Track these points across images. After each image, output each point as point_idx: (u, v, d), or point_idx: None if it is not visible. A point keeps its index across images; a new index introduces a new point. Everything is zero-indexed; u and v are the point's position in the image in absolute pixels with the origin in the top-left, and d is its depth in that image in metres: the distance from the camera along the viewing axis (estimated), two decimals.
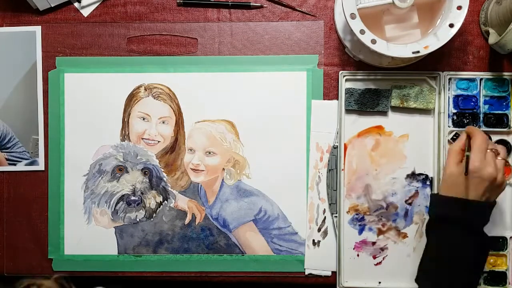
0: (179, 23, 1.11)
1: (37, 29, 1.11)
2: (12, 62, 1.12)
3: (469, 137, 0.96)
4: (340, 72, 1.08)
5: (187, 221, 1.13)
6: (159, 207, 1.13)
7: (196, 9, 1.11)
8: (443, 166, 1.07)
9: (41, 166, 1.13)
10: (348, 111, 1.08)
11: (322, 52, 1.10)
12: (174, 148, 1.12)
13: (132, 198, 1.12)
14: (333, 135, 1.09)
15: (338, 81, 1.09)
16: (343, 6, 0.96)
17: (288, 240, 1.11)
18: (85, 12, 1.11)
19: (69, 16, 1.12)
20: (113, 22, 1.11)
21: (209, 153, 1.12)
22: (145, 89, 1.12)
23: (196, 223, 1.12)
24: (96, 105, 1.13)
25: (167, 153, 1.13)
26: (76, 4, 1.11)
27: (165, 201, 1.13)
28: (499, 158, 0.95)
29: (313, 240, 1.10)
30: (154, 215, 1.13)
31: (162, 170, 1.12)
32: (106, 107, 1.13)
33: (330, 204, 1.09)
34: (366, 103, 1.08)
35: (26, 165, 1.13)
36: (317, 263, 1.10)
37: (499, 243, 1.09)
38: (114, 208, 1.13)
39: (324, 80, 1.10)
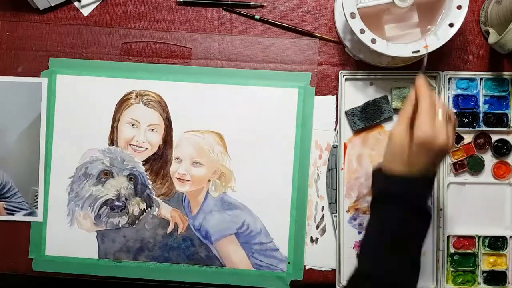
0: (175, 32, 1.11)
1: (44, 81, 1.10)
2: (17, 112, 1.11)
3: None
4: (340, 71, 1.07)
5: (169, 230, 1.10)
6: (142, 214, 1.10)
7: (196, 9, 1.11)
8: (442, 165, 1.06)
9: (39, 218, 1.11)
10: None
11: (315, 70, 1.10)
12: (161, 156, 1.10)
13: (116, 203, 1.09)
14: (330, 132, 1.08)
15: (337, 80, 1.08)
16: (343, 6, 0.97)
17: (268, 256, 1.10)
18: (85, 12, 1.11)
19: (69, 15, 1.11)
20: (111, 26, 1.11)
21: (196, 163, 1.10)
22: (136, 96, 1.10)
23: (178, 233, 1.10)
24: (86, 108, 1.11)
25: (154, 161, 1.10)
26: (76, 4, 1.11)
27: (149, 209, 1.10)
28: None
29: (311, 237, 1.08)
30: (136, 222, 1.10)
31: (148, 177, 1.10)
32: (96, 111, 1.11)
33: (330, 204, 1.07)
34: (370, 117, 1.07)
35: (24, 215, 1.11)
36: (315, 260, 1.07)
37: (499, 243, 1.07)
38: (97, 212, 1.10)
39: (324, 80, 1.09)
